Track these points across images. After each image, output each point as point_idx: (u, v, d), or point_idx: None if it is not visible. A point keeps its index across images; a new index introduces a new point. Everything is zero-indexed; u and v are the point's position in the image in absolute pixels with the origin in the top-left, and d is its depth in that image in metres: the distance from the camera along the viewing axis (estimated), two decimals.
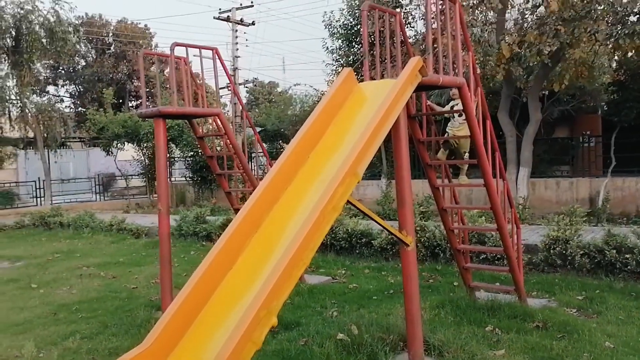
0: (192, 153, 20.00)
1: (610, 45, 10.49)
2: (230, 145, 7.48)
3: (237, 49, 36.18)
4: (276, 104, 36.30)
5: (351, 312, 6.45)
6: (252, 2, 36.52)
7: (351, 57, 16.06)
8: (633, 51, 11.49)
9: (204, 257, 10.97)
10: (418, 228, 9.09)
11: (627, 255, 7.50)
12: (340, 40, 16.27)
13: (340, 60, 16.52)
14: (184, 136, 19.43)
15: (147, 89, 47.06)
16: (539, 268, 8.25)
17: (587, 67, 12.25)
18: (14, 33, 19.94)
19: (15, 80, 20.70)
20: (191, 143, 19.12)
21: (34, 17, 19.90)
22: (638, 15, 10.41)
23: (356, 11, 15.72)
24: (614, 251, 7.61)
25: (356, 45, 16.11)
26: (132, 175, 23.00)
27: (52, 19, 20.04)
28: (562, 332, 5.46)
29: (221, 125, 7.32)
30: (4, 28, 19.55)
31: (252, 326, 3.02)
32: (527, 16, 12.06)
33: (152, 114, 6.71)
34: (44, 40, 19.88)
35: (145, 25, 45.61)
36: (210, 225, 12.42)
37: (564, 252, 7.96)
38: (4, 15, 19.63)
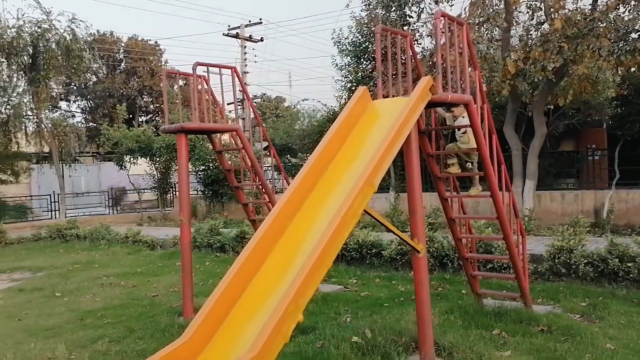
0: (203, 167, 20.42)
1: (613, 62, 10.82)
2: (248, 159, 7.87)
3: (246, 65, 36.88)
4: (283, 118, 36.79)
5: (364, 318, 6.77)
6: (260, 20, 37.31)
7: (360, 73, 16.47)
8: (635, 66, 11.85)
9: (219, 267, 11.51)
10: (427, 239, 9.40)
11: (629, 264, 7.78)
12: (349, 57, 16.70)
13: (349, 76, 16.95)
14: (196, 151, 19.87)
15: (157, 105, 48.00)
16: (544, 277, 8.53)
17: (591, 82, 12.61)
18: (31, 51, 20.56)
19: (31, 97, 21.27)
20: (203, 157, 19.56)
21: (50, 36, 20.54)
22: (639, 32, 10.77)
23: (364, 29, 16.17)
24: (617, 260, 7.90)
25: (364, 62, 16.53)
26: (144, 189, 23.45)
27: (68, 37, 20.65)
28: (566, 335, 5.75)
29: (239, 141, 7.73)
30: (22, 46, 20.16)
31: (282, 320, 3.36)
32: (531, 33, 12.45)
33: (175, 130, 7.11)
34: (60, 58, 20.45)
35: (156, 42, 46.44)
36: (224, 237, 12.78)
37: (568, 261, 8.25)
38: (22, 34, 20.26)
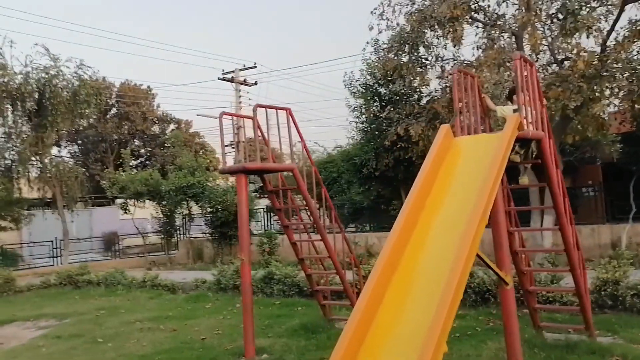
0: (211, 210, 20.35)
1: (630, 101, 11.28)
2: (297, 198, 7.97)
3: (241, 109, 37.27)
4: (278, 159, 37.04)
5: None
6: (255, 64, 37.95)
7: (370, 113, 16.80)
8: None
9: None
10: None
11: None
12: (360, 99, 17.10)
13: (360, 117, 17.30)
14: (206, 193, 19.86)
15: (148, 149, 47.96)
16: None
17: (601, 120, 13.08)
18: (37, 96, 20.58)
19: (36, 142, 21.16)
20: (214, 199, 19.53)
21: (58, 82, 20.62)
22: None
23: (375, 72, 16.59)
24: None
25: (375, 104, 16.88)
26: (147, 233, 23.23)
27: (76, 83, 20.76)
28: None
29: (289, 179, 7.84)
30: (28, 93, 20.19)
31: (436, 353, 3.43)
32: (549, 72, 12.92)
33: (237, 170, 7.22)
34: (67, 103, 20.49)
35: (148, 87, 46.75)
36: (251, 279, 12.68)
37: (615, 293, 8.40)
38: (29, 80, 20.33)
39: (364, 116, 17.05)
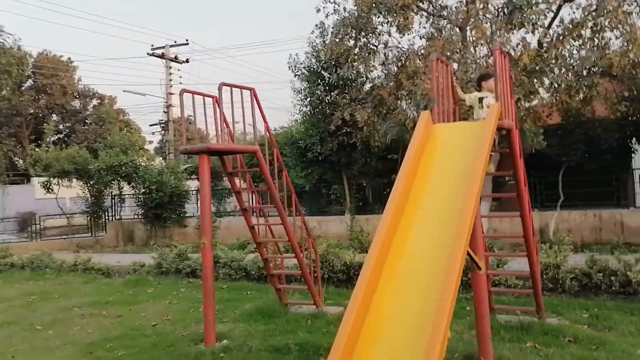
0: (145, 190, 19.59)
1: (568, 95, 11.90)
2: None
3: (171, 87, 36.03)
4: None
5: None
6: (187, 40, 36.69)
7: (315, 97, 16.71)
8: (580, 101, 12.89)
9: (196, 293, 11.21)
10: None
11: (612, 278, 8.56)
12: (305, 82, 16.96)
13: (304, 100, 17.17)
14: (140, 173, 19.07)
15: (68, 125, 45.30)
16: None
17: (538, 113, 13.74)
18: None
19: None
20: (148, 180, 18.78)
21: None
22: (587, 70, 11.98)
23: (320, 56, 16.47)
24: (600, 274, 8.66)
25: (320, 87, 16.80)
26: (73, 213, 22.03)
27: None
28: (594, 345, 6.22)
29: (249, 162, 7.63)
30: None
31: (444, 337, 3.45)
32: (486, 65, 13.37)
33: (200, 150, 6.93)
34: None
35: (69, 59, 44.03)
36: (194, 262, 12.36)
37: (556, 276, 8.90)
38: None
39: (308, 100, 16.92)
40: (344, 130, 15.36)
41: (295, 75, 17.01)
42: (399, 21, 13.15)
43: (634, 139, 15.30)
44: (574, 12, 12.92)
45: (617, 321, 7.23)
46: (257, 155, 7.50)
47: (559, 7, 12.90)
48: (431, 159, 5.24)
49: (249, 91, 7.43)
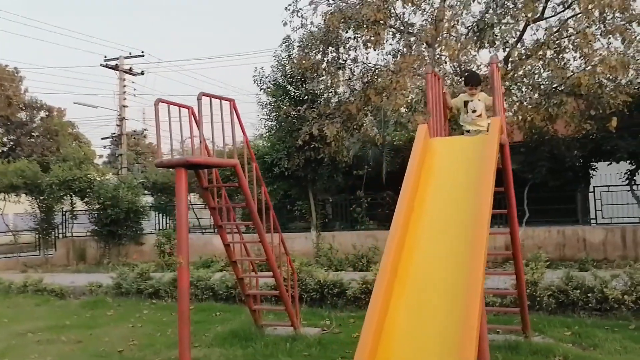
0: (99, 206, 18.67)
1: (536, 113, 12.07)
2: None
3: (125, 99, 35.01)
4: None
5: None
6: (142, 52, 35.85)
7: (281, 111, 16.39)
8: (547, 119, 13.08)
9: (162, 315, 10.64)
10: None
11: (589, 294, 8.58)
12: (270, 96, 16.65)
13: (270, 114, 16.87)
14: (95, 188, 18.19)
15: (13, 137, 43.16)
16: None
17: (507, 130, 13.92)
18: None
19: None
20: (103, 195, 17.91)
21: None
22: (554, 89, 12.22)
23: (287, 70, 16.24)
24: (577, 291, 8.67)
25: (285, 102, 16.51)
26: (20, 230, 20.80)
27: None
28: None
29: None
30: None
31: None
32: (450, 83, 13.46)
33: (178, 164, 6.51)
34: None
35: (15, 68, 42.03)
36: (157, 282, 11.75)
37: (533, 293, 8.86)
38: None
39: (273, 114, 16.61)
40: (312, 145, 15.11)
41: (261, 89, 16.69)
42: (370, 37, 13.09)
43: (594, 157, 15.73)
44: (534, 33, 13.21)
45: (601, 339, 7.18)
46: (236, 169, 7.13)
47: (525, 26, 13.15)
48: (429, 173, 5.06)
49: (228, 102, 7.08)
